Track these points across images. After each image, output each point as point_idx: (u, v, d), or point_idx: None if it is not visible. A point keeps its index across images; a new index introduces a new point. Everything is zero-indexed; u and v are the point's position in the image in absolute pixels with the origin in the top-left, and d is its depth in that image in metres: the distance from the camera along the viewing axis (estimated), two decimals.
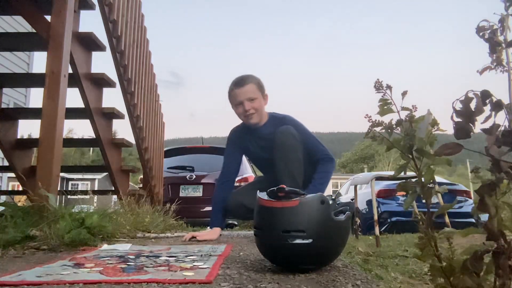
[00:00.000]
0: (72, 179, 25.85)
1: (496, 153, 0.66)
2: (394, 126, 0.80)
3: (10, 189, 10.44)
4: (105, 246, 1.91)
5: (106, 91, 3.33)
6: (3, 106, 3.70)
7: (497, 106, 0.68)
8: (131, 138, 3.75)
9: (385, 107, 0.82)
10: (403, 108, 0.81)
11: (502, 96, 0.69)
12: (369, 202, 5.56)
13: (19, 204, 2.59)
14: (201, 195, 5.39)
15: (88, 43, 2.97)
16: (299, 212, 1.24)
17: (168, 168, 5.38)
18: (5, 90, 4.04)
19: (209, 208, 4.04)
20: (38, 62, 8.28)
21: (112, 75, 3.25)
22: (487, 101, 0.68)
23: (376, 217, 2.50)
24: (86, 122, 3.21)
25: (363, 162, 51.50)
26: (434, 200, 2.18)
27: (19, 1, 2.66)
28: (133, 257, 1.55)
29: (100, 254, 1.66)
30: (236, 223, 5.56)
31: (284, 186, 1.30)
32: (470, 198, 5.55)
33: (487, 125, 0.68)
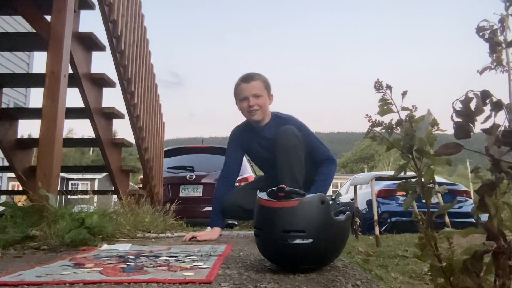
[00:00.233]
0: (72, 179, 25.85)
1: (496, 153, 0.66)
2: (394, 126, 0.80)
3: (10, 189, 10.45)
4: (105, 246, 1.91)
5: (106, 91, 3.34)
6: (3, 106, 3.71)
7: (497, 106, 0.68)
8: (131, 138, 3.76)
9: (385, 107, 0.82)
10: (403, 108, 0.81)
11: (502, 96, 0.69)
12: (369, 202, 5.56)
13: (19, 204, 2.59)
14: (201, 195, 5.40)
15: (88, 43, 2.97)
16: (299, 212, 1.24)
17: (168, 168, 5.38)
18: (5, 90, 4.04)
19: (209, 208, 4.05)
20: (38, 62, 8.29)
21: (112, 75, 3.26)
22: (487, 101, 0.68)
23: (376, 217, 2.49)
24: (86, 122, 3.21)
25: (363, 162, 51.53)
26: (434, 200, 2.18)
27: (19, 1, 2.66)
28: (133, 257, 1.55)
29: (100, 254, 1.66)
30: (236, 223, 5.56)
31: (284, 186, 1.30)
32: (470, 198, 5.55)
33: (487, 125, 0.68)
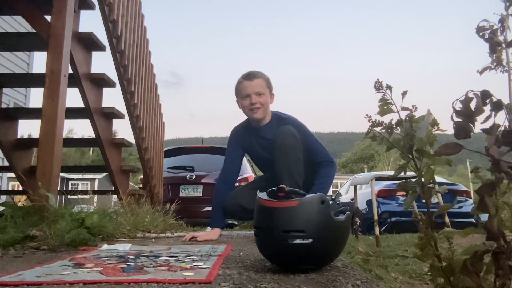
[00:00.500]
0: (72, 179, 25.86)
1: (496, 153, 0.66)
2: (394, 126, 0.80)
3: (10, 189, 10.44)
4: (105, 246, 1.91)
5: (106, 91, 3.33)
6: (3, 106, 3.70)
7: (497, 106, 0.68)
8: (131, 138, 3.76)
9: (385, 107, 0.82)
10: (403, 108, 0.81)
11: (502, 96, 0.69)
12: (369, 202, 5.56)
13: (19, 204, 2.59)
14: (201, 195, 5.40)
15: (88, 43, 2.97)
16: (299, 212, 1.24)
17: (168, 168, 5.38)
18: (5, 90, 4.04)
19: (209, 208, 4.05)
20: (38, 62, 8.29)
21: (112, 75, 3.25)
22: (487, 101, 0.68)
23: (376, 217, 2.49)
24: (86, 122, 3.21)
25: (363, 162, 51.52)
26: (434, 200, 2.18)
27: (19, 1, 2.66)
28: (133, 257, 1.55)
29: (100, 254, 1.66)
30: (236, 223, 5.56)
31: (284, 186, 1.30)
32: (470, 198, 5.55)
33: (487, 125, 0.69)
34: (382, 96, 0.82)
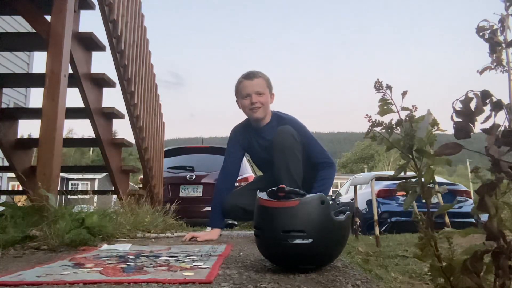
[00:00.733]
0: (72, 179, 25.86)
1: (496, 153, 0.66)
2: (394, 126, 0.80)
3: (10, 189, 10.45)
4: (105, 246, 1.91)
5: (106, 91, 3.33)
6: (3, 106, 3.70)
7: (497, 106, 0.68)
8: (131, 138, 3.76)
9: (385, 107, 0.82)
10: (403, 108, 0.81)
11: (502, 96, 0.69)
12: (369, 202, 5.56)
13: (19, 204, 2.59)
14: (201, 195, 5.40)
15: (88, 43, 2.97)
16: (299, 212, 1.24)
17: (168, 168, 5.38)
18: (5, 90, 4.03)
19: (209, 208, 4.05)
20: (38, 62, 8.29)
21: (112, 75, 3.25)
22: (487, 101, 0.68)
23: (376, 217, 2.49)
24: (86, 122, 3.21)
25: (363, 162, 51.52)
26: (434, 200, 2.18)
27: (19, 1, 2.66)
28: (133, 257, 1.55)
29: (100, 254, 1.66)
30: (236, 223, 5.56)
31: (284, 186, 1.29)
32: (470, 198, 5.55)
33: (487, 125, 0.68)
34: (382, 96, 0.82)
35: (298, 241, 1.22)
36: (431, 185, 0.78)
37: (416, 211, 2.71)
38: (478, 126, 0.69)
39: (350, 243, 2.09)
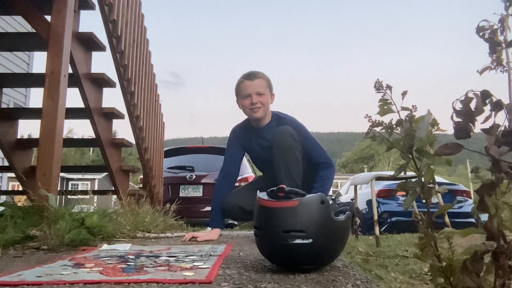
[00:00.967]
0: (72, 179, 25.84)
1: (496, 153, 0.66)
2: (394, 126, 0.80)
3: (10, 189, 10.44)
4: (105, 246, 1.91)
5: (106, 91, 3.33)
6: (3, 106, 3.70)
7: (497, 106, 0.68)
8: (131, 138, 3.76)
9: (385, 107, 0.82)
10: (403, 108, 0.81)
11: (502, 96, 0.69)
12: (369, 202, 5.56)
13: (19, 204, 2.59)
14: (201, 195, 5.40)
15: (88, 43, 2.97)
16: (299, 212, 1.24)
17: (168, 168, 5.38)
18: (5, 90, 4.04)
19: (209, 208, 4.05)
20: (38, 62, 8.28)
21: (112, 75, 3.25)
22: (487, 101, 0.68)
23: (376, 217, 2.49)
24: (86, 122, 3.21)
25: (363, 162, 51.52)
26: (434, 200, 2.18)
27: (19, 1, 2.66)
28: (133, 257, 1.55)
29: (100, 254, 1.66)
30: (236, 223, 5.56)
31: (284, 186, 1.30)
32: (470, 198, 5.55)
33: (487, 125, 0.68)
34: (382, 96, 0.82)
35: (298, 241, 1.22)
36: (431, 185, 0.78)
37: (416, 211, 2.70)
38: (478, 126, 0.69)
39: (350, 243, 2.09)
